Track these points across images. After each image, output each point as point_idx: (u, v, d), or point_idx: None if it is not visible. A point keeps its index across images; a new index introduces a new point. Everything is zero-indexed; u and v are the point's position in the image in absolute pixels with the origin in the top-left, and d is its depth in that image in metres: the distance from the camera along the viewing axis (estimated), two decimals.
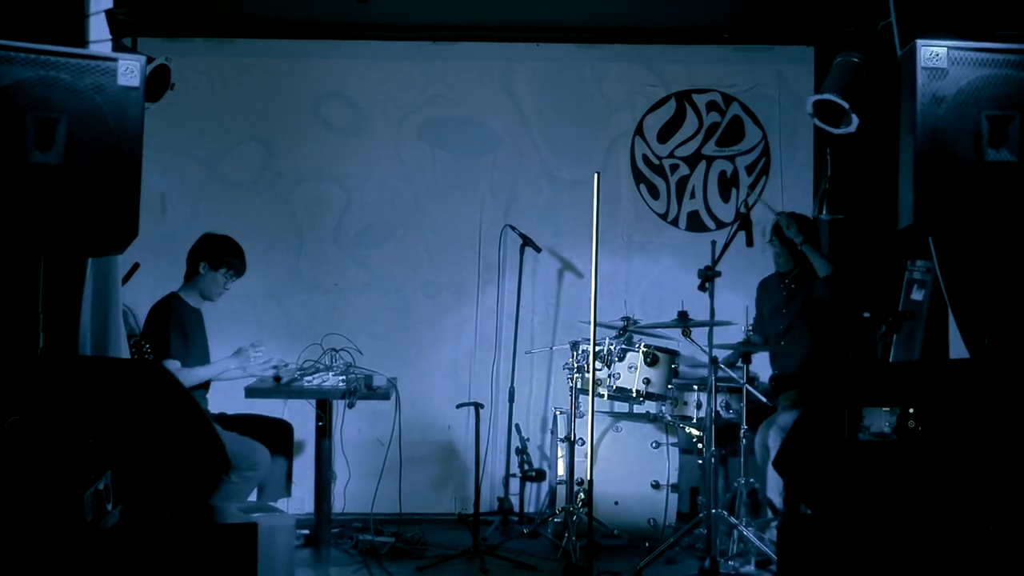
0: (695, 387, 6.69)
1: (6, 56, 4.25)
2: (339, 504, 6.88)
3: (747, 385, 6.36)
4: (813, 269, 6.78)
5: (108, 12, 5.34)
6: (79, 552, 4.07)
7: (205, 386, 6.44)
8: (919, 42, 4.35)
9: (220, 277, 6.43)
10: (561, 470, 6.70)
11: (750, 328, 6.76)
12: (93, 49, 5.03)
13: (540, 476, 7.17)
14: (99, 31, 5.27)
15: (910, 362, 6.13)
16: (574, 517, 6.36)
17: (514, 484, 7.40)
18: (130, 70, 4.39)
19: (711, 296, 6.17)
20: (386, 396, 6.25)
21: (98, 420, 4.25)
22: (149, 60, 5.18)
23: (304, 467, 6.82)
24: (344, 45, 7.73)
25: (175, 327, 6.29)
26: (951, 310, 5.11)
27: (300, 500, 6.97)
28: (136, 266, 6.62)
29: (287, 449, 6.60)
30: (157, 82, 5.59)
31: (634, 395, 6.66)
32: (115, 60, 4.41)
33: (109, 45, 5.30)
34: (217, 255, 6.43)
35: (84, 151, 4.31)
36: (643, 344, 6.71)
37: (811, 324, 6.86)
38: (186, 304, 6.43)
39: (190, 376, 6.24)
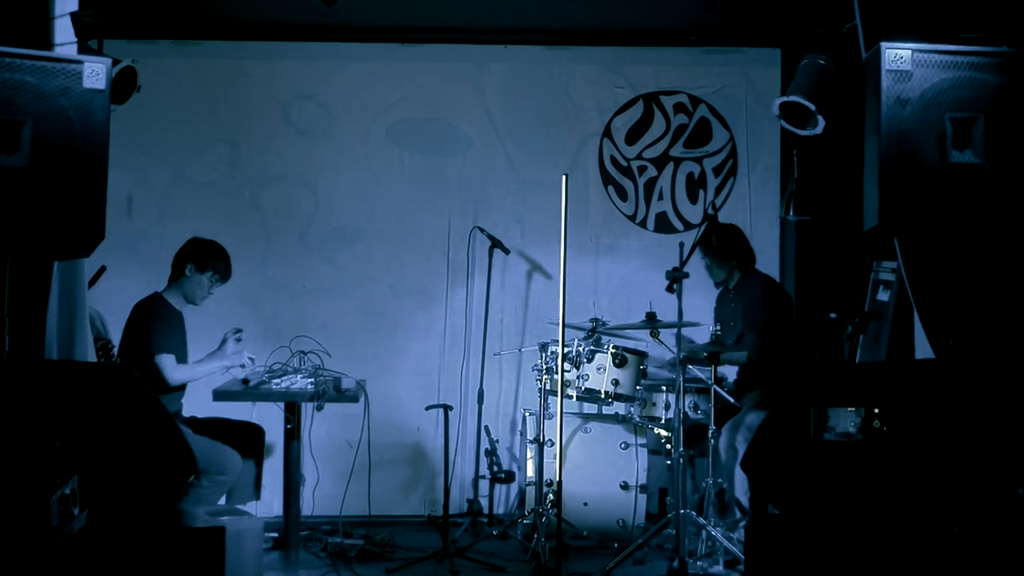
0: (663, 388, 6.71)
1: None
2: (308, 507, 6.86)
3: (715, 386, 6.38)
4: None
5: (74, 14, 5.29)
6: (45, 556, 4.04)
7: (182, 388, 6.45)
8: (884, 44, 4.37)
9: (205, 280, 6.47)
10: (530, 471, 6.70)
11: (717, 330, 6.78)
12: (59, 51, 4.99)
13: (509, 478, 7.18)
14: (65, 33, 5.23)
15: (876, 362, 6.17)
16: (543, 518, 6.37)
17: (483, 486, 7.41)
18: (96, 72, 4.36)
19: (679, 297, 6.20)
20: (355, 398, 6.24)
21: (65, 424, 4.23)
22: (115, 62, 5.15)
23: (273, 470, 6.80)
24: (312, 47, 7.71)
25: (162, 323, 6.30)
26: (917, 311, 5.14)
27: (269, 503, 6.96)
28: (103, 269, 6.57)
29: (258, 453, 6.59)
30: (123, 84, 5.56)
31: (603, 396, 6.68)
32: (81, 62, 4.37)
33: (75, 47, 5.26)
34: (204, 258, 6.47)
35: (50, 154, 4.28)
36: (612, 345, 6.73)
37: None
38: (169, 305, 6.44)
39: (188, 372, 6.28)
